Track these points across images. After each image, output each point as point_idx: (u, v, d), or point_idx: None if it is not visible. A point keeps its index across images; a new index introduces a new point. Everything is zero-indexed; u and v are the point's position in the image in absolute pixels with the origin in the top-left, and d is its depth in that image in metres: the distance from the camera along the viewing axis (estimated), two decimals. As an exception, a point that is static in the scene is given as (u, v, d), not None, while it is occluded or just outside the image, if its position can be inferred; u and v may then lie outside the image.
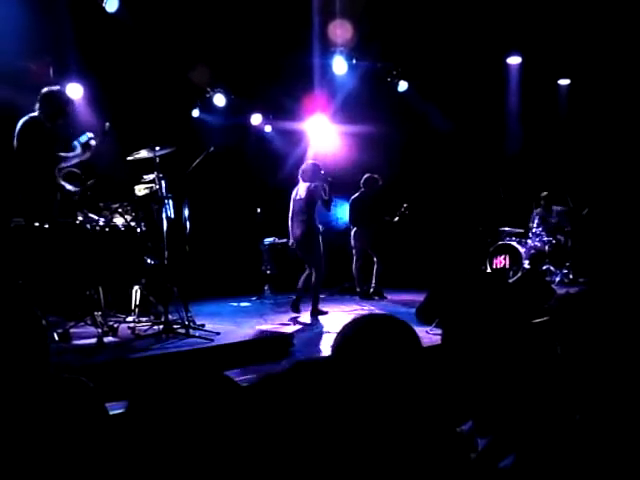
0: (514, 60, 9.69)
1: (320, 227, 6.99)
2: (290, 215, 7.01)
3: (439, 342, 5.00)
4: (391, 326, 1.36)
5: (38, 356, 2.36)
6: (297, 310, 6.82)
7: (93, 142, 4.96)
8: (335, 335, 1.38)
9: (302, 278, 6.94)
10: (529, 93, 9.80)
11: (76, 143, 4.95)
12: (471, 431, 1.46)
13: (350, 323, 1.38)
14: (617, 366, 1.59)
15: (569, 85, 10.22)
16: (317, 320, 6.44)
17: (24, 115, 4.84)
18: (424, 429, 1.18)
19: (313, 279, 6.74)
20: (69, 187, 5.03)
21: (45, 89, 4.92)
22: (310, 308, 6.72)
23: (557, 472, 1.27)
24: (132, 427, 1.11)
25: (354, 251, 8.58)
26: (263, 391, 1.01)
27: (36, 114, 4.78)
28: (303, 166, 7.11)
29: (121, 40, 7.10)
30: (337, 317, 6.65)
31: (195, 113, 8.93)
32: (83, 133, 5.02)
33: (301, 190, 6.93)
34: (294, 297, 6.95)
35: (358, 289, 8.51)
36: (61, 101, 4.94)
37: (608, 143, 9.51)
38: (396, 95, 9.42)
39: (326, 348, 4.79)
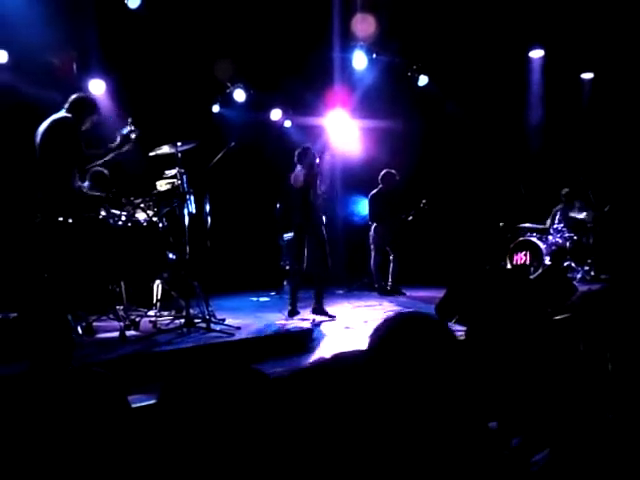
0: (536, 54, 9.57)
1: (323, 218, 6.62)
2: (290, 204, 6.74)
3: (459, 338, 4.98)
4: (427, 325, 1.35)
5: (63, 349, 2.41)
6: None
7: (134, 135, 4.99)
8: (370, 333, 1.37)
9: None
10: (551, 87, 9.68)
11: (118, 135, 4.99)
12: (503, 430, 1.46)
13: (382, 322, 1.37)
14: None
15: (592, 79, 10.08)
16: (335, 316, 6.38)
17: (47, 110, 4.91)
18: (460, 426, 1.18)
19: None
20: (91, 192, 5.08)
21: (76, 95, 5.01)
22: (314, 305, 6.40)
23: (589, 469, 1.26)
24: (164, 419, 1.13)
25: (372, 247, 8.58)
26: (297, 383, 1.02)
27: (68, 115, 4.85)
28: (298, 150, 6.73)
29: (143, 36, 7.15)
30: (357, 312, 6.65)
31: (215, 108, 8.96)
32: (124, 126, 5.06)
33: (298, 175, 6.57)
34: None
35: (376, 285, 8.50)
36: (90, 107, 5.03)
37: (632, 139, 9.36)
38: (416, 90, 9.37)
39: (346, 343, 4.79)
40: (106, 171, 5.36)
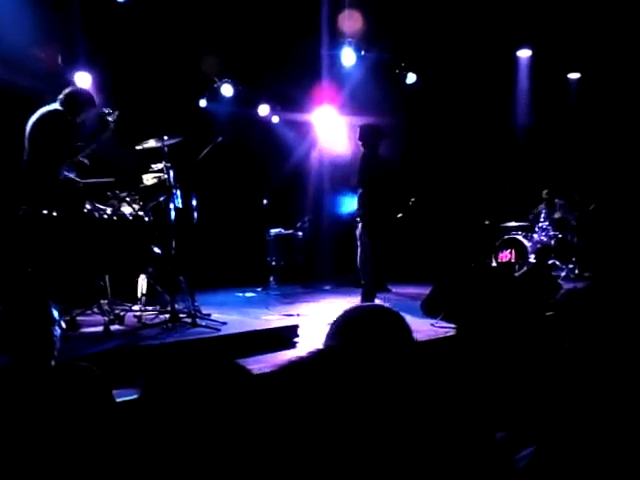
0: (524, 53, 9.63)
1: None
2: None
3: (445, 335, 4.99)
4: (381, 316, 1.36)
5: (45, 342, 2.38)
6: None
7: (111, 118, 4.90)
8: (329, 325, 1.40)
9: None
10: (539, 86, 9.75)
11: (103, 116, 4.92)
12: (489, 424, 1.47)
13: (341, 315, 1.39)
14: (625, 361, 1.58)
15: (579, 79, 10.16)
16: (321, 312, 6.43)
17: (31, 102, 4.84)
18: (428, 420, 1.19)
19: None
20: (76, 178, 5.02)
21: (70, 89, 4.95)
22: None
23: (573, 466, 1.27)
24: (146, 414, 1.12)
25: (359, 243, 8.58)
26: (283, 379, 1.02)
27: (59, 108, 4.79)
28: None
29: (129, 29, 7.09)
30: (342, 308, 6.65)
31: (202, 103, 8.92)
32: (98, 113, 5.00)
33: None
34: None
35: (362, 281, 8.51)
36: (85, 100, 4.96)
37: (617, 138, 9.45)
38: (404, 87, 9.38)
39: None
40: (86, 161, 5.27)
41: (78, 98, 4.91)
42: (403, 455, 0.99)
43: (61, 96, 4.87)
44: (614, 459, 1.29)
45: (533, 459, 1.31)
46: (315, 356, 1.06)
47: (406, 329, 1.36)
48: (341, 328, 1.35)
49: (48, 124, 4.71)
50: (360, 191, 6.24)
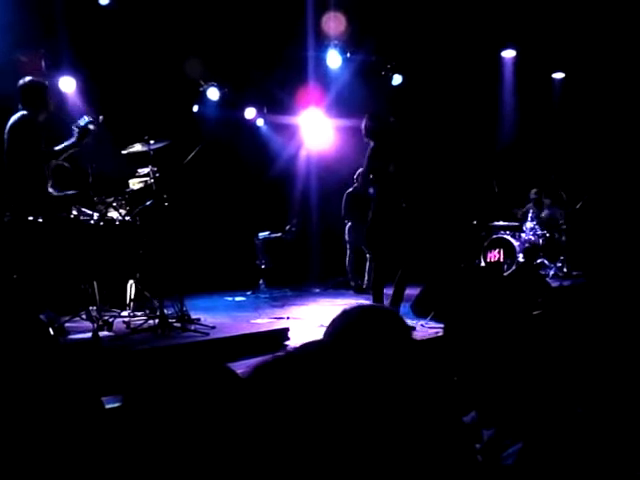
0: (509, 54, 9.69)
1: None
2: None
3: (435, 335, 5.00)
4: (381, 316, 1.36)
5: (39, 351, 2.35)
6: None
7: (92, 126, 4.81)
8: (327, 326, 1.40)
9: None
10: (523, 87, 9.81)
11: (74, 127, 4.80)
12: (475, 422, 1.47)
13: (340, 314, 1.39)
14: (611, 358, 1.59)
15: (563, 79, 10.24)
16: (311, 314, 6.42)
17: (15, 109, 4.79)
18: (423, 419, 1.18)
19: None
20: (54, 192, 4.92)
21: (21, 83, 4.80)
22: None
23: (561, 463, 1.27)
24: (129, 421, 1.11)
25: (347, 245, 8.59)
26: (263, 377, 1.01)
27: (25, 112, 4.72)
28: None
29: (113, 33, 7.05)
30: (332, 311, 6.63)
31: (195, 108, 8.86)
32: (80, 117, 4.89)
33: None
34: None
35: (352, 283, 8.52)
36: (38, 90, 4.83)
37: (602, 137, 9.53)
38: (390, 89, 9.41)
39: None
40: (67, 164, 5.18)
41: (31, 91, 4.77)
42: (392, 452, 0.99)
43: (19, 96, 4.75)
44: (599, 453, 1.29)
45: (520, 456, 1.31)
46: (302, 350, 1.06)
47: (405, 328, 1.36)
48: (340, 327, 1.35)
49: (18, 132, 4.66)
50: (371, 189, 5.56)
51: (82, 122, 4.80)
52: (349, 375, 0.99)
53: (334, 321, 1.38)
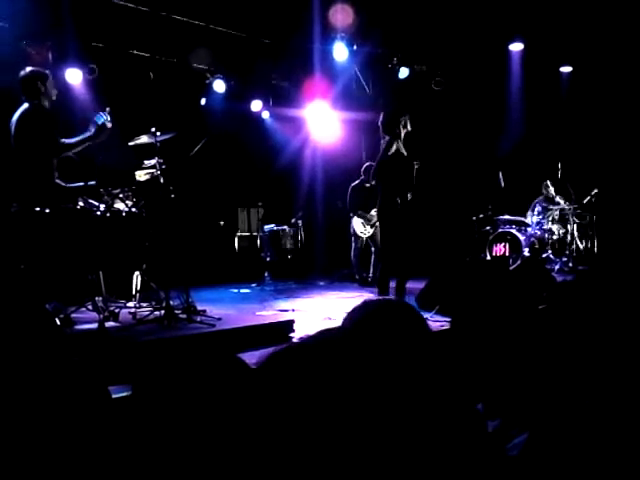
0: (516, 47, 9.64)
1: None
2: None
3: (440, 328, 4.99)
4: (401, 310, 1.37)
5: (46, 341, 2.37)
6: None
7: (110, 124, 4.78)
8: (345, 316, 1.40)
9: None
10: (531, 80, 9.76)
11: (92, 124, 4.77)
12: (482, 413, 1.48)
13: (361, 306, 1.40)
14: (614, 353, 1.59)
15: (571, 72, 10.18)
16: (316, 307, 6.43)
17: (21, 101, 4.79)
18: (438, 411, 1.19)
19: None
20: (62, 183, 4.92)
21: (21, 75, 4.77)
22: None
23: (566, 456, 1.28)
24: (137, 410, 1.12)
25: (353, 238, 8.60)
26: (277, 366, 1.02)
27: (30, 104, 4.71)
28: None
29: (120, 25, 7.05)
30: (338, 303, 6.66)
31: (202, 102, 8.85)
32: (97, 114, 4.84)
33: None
34: None
35: (357, 276, 8.53)
36: (40, 78, 4.78)
37: (609, 131, 9.48)
38: (397, 82, 9.37)
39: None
40: (73, 155, 5.17)
41: (32, 81, 4.74)
42: (398, 443, 0.99)
43: (22, 90, 4.73)
44: (606, 447, 1.30)
45: (526, 447, 1.32)
46: (318, 338, 1.06)
47: (421, 320, 1.38)
48: (359, 317, 1.36)
49: (26, 126, 4.65)
50: (378, 184, 5.69)
51: (101, 120, 4.76)
52: (368, 364, 0.99)
53: (354, 310, 1.40)
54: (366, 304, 1.40)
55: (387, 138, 5.57)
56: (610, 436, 1.34)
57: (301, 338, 1.05)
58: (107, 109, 4.99)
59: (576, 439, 1.32)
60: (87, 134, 4.82)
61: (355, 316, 1.37)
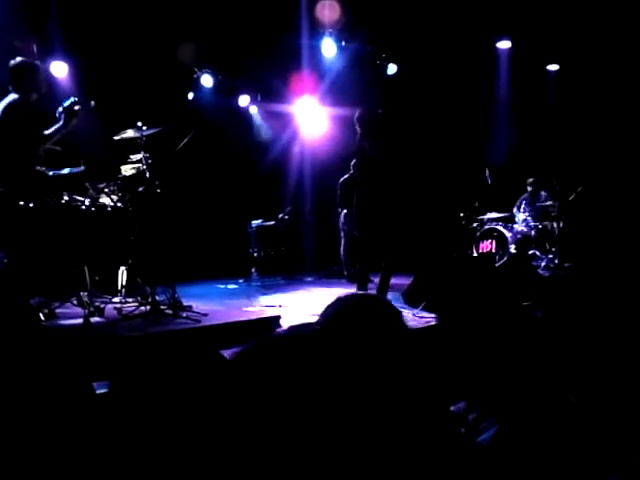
0: (504, 45, 9.68)
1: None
2: None
3: (426, 324, 5.01)
4: (376, 305, 1.37)
5: (28, 336, 2.35)
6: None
7: (77, 107, 4.71)
8: (321, 312, 1.40)
9: None
10: (518, 78, 9.80)
11: (60, 109, 4.72)
12: (464, 410, 1.48)
13: (335, 301, 1.40)
14: (603, 347, 1.60)
15: (558, 71, 10.23)
16: (303, 303, 6.43)
17: (5, 94, 4.73)
18: (412, 407, 1.19)
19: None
20: (47, 171, 4.87)
21: (10, 65, 4.71)
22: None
23: (539, 448, 1.29)
24: (116, 406, 1.11)
25: (342, 234, 8.60)
26: (249, 360, 1.01)
27: (17, 95, 4.66)
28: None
29: (106, 17, 6.99)
30: (325, 299, 6.65)
31: (190, 96, 8.81)
32: (65, 99, 4.79)
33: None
34: None
35: (346, 272, 8.53)
36: (30, 70, 4.74)
37: (596, 128, 9.55)
38: (385, 78, 9.38)
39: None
40: (59, 148, 5.12)
41: (21, 72, 4.69)
42: (381, 436, 1.00)
43: (9, 80, 4.67)
44: (592, 439, 1.31)
45: (496, 437, 1.33)
46: (291, 333, 1.06)
47: (397, 315, 1.37)
48: (333, 313, 1.36)
49: (9, 118, 4.60)
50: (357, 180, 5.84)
51: (66, 103, 4.73)
52: (341, 359, 0.99)
53: (328, 307, 1.39)
54: (339, 299, 1.40)
55: (360, 132, 5.72)
56: (599, 432, 1.35)
57: (274, 334, 1.05)
58: (92, 102, 4.95)
59: (561, 435, 1.33)
60: (58, 123, 4.75)
61: (329, 312, 1.37)
